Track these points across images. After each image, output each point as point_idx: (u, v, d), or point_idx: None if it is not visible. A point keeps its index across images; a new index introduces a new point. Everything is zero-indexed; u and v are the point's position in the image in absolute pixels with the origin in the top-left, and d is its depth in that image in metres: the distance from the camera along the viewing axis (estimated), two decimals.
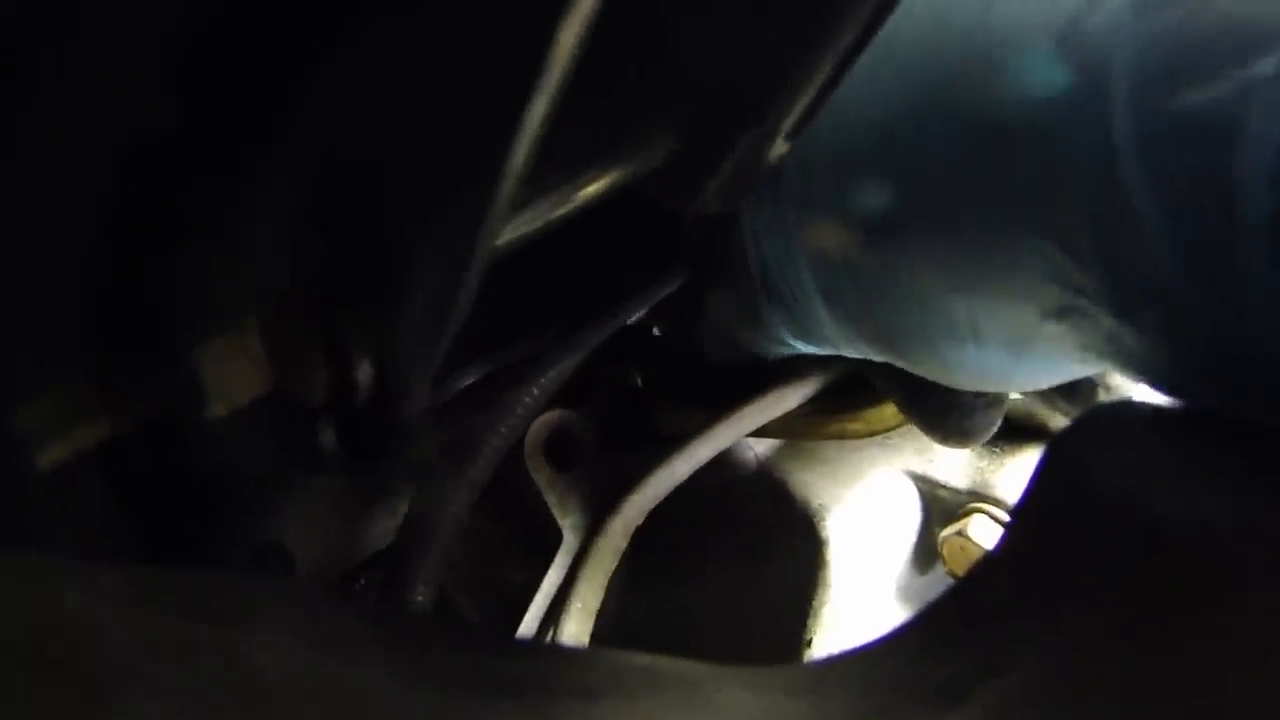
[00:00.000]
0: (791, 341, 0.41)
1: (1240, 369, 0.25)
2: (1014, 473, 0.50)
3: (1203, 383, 0.27)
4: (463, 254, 0.20)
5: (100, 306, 0.23)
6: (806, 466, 0.51)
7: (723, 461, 0.48)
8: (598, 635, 0.44)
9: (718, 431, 0.46)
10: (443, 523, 0.37)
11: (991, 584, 0.26)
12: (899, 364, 0.38)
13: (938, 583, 0.51)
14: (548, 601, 0.45)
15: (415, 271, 0.22)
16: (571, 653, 0.33)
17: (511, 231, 0.25)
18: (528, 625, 0.45)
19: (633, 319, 0.41)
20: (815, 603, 0.46)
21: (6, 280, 0.21)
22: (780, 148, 0.29)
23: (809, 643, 0.46)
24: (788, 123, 0.27)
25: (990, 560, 0.28)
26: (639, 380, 0.52)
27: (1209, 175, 0.24)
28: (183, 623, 0.20)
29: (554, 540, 0.46)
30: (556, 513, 0.47)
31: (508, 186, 0.17)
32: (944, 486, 0.51)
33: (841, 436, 0.50)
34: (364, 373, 0.25)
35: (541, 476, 0.47)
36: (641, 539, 0.46)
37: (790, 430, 0.51)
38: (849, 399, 0.49)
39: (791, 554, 0.48)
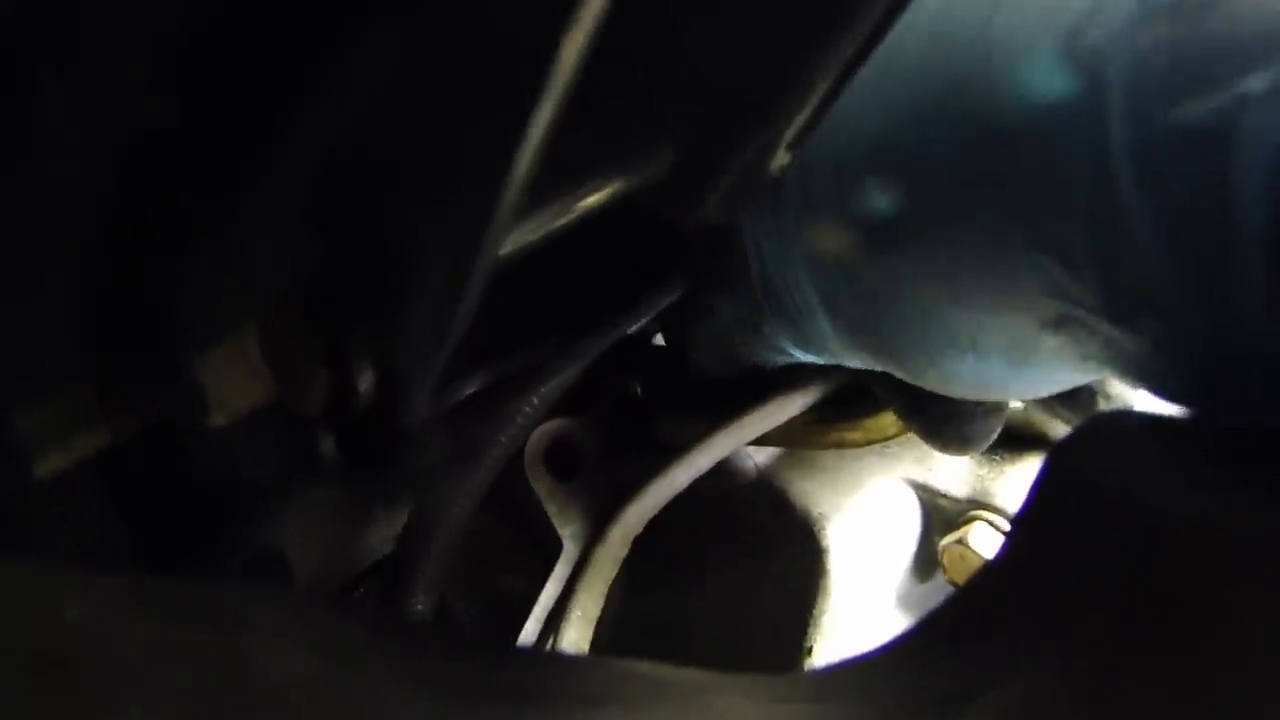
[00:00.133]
0: (792, 351, 0.41)
1: (1238, 374, 0.26)
2: (1014, 481, 0.50)
3: (1201, 388, 0.27)
4: (465, 262, 0.20)
5: (101, 313, 0.23)
6: (806, 475, 0.51)
7: (723, 470, 0.48)
8: (597, 644, 0.44)
9: (718, 440, 0.46)
10: (443, 531, 0.37)
11: (992, 592, 0.26)
12: (899, 374, 0.38)
13: (938, 591, 0.51)
14: (547, 610, 0.45)
15: (417, 280, 0.22)
16: (571, 661, 0.33)
17: (514, 241, 0.25)
18: (528, 633, 0.45)
19: (634, 329, 0.41)
20: (815, 611, 0.46)
21: (7, 286, 0.21)
22: (782, 158, 0.29)
23: (809, 651, 0.45)
24: (790, 133, 0.27)
25: (991, 568, 0.28)
26: (639, 390, 0.52)
27: (1205, 185, 0.24)
28: (182, 629, 0.20)
29: (554, 549, 0.46)
30: (556, 521, 0.47)
31: (512, 194, 0.17)
32: (944, 495, 0.51)
33: (841, 445, 0.50)
34: (364, 382, 0.25)
35: (542, 486, 0.47)
36: (641, 547, 0.46)
37: (790, 439, 0.51)
38: (849, 408, 0.49)
39: (791, 562, 0.48)
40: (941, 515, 0.50)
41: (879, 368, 0.39)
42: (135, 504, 0.33)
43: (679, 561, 0.50)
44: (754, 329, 0.41)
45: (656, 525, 0.46)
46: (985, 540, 0.47)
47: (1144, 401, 0.43)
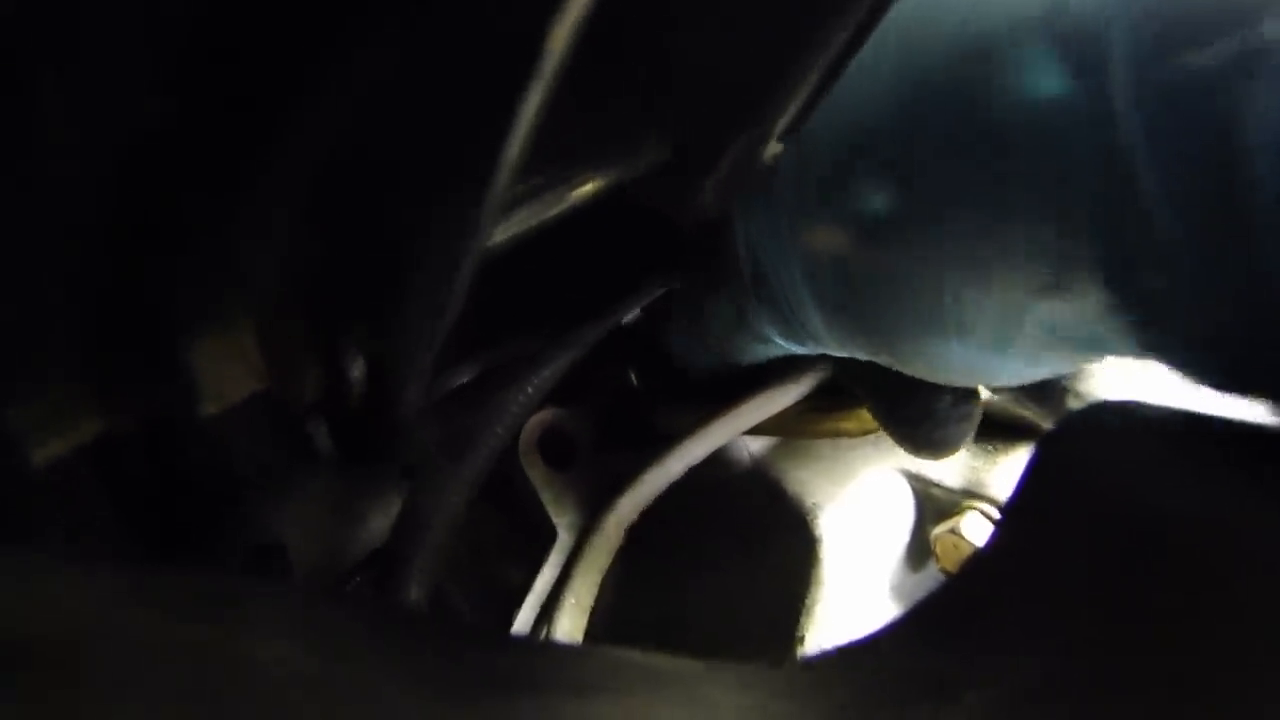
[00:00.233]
0: (779, 341, 0.41)
1: (1247, 334, 0.25)
2: (1007, 471, 0.50)
3: (1205, 352, 0.27)
4: (456, 250, 0.20)
5: (97, 304, 0.23)
6: (801, 464, 0.51)
7: (717, 459, 0.49)
8: (592, 633, 0.44)
9: (713, 430, 0.46)
10: (438, 521, 0.38)
11: (983, 581, 0.26)
12: (888, 361, 0.38)
13: (931, 580, 0.51)
14: (542, 599, 0.45)
15: (409, 268, 0.22)
16: (565, 649, 0.33)
17: (505, 230, 0.25)
18: (522, 622, 0.45)
19: (627, 319, 0.41)
20: (808, 600, 0.46)
21: (3, 280, 0.21)
22: (774, 149, 0.29)
23: (801, 640, 0.46)
24: (781, 123, 0.27)
25: (981, 557, 0.28)
26: (635, 379, 0.52)
27: (1214, 138, 0.23)
28: (180, 623, 0.20)
29: (549, 538, 0.47)
30: (551, 511, 0.47)
31: (502, 181, 0.18)
32: (937, 485, 0.51)
33: (836, 435, 0.51)
34: (357, 371, 0.25)
35: (536, 474, 0.47)
36: (636, 536, 0.46)
37: (785, 428, 0.51)
38: (843, 398, 0.49)
39: (785, 551, 0.49)
40: (935, 505, 0.51)
41: (866, 356, 0.39)
42: (132, 496, 0.33)
43: (673, 551, 0.50)
44: (739, 319, 0.41)
45: (651, 514, 0.46)
46: (978, 530, 0.47)
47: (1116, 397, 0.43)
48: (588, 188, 0.27)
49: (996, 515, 0.48)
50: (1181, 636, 0.22)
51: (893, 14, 0.25)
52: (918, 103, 0.30)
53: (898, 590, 0.51)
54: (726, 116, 0.27)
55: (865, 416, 0.49)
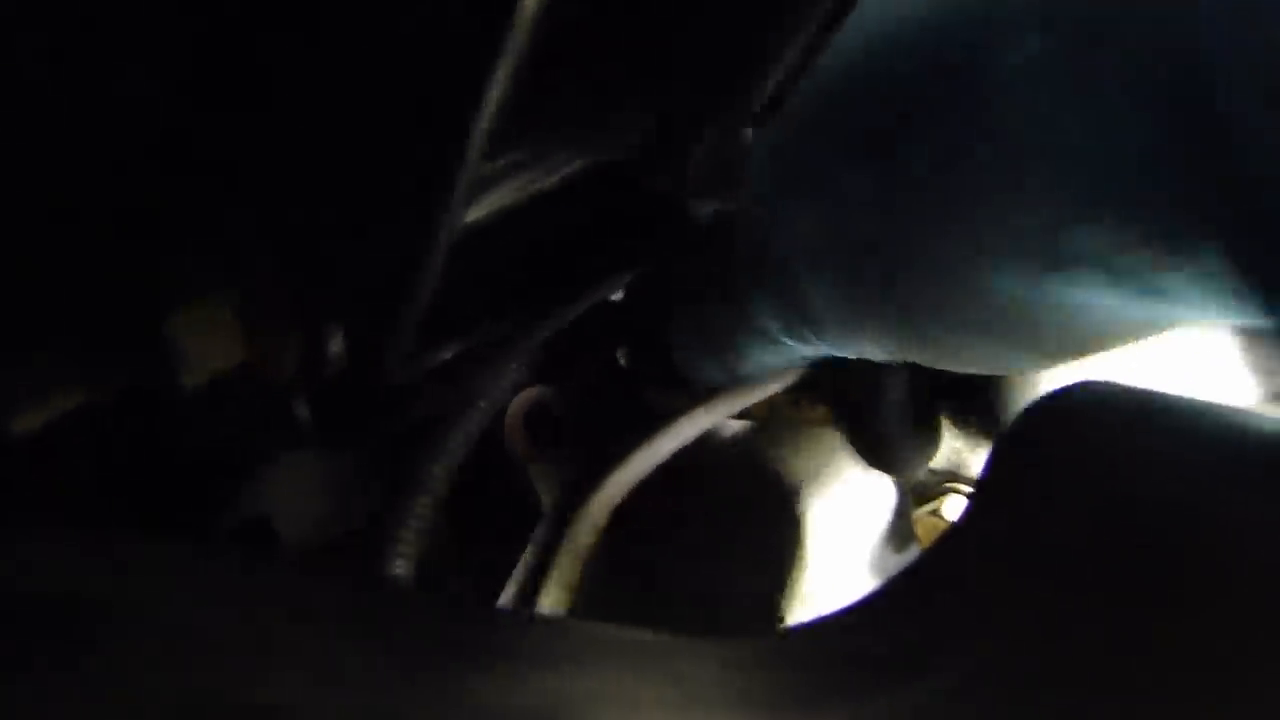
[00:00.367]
0: (776, 333, 0.41)
1: None
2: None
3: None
4: (430, 224, 0.20)
5: (79, 274, 0.24)
6: (786, 447, 0.51)
7: (703, 441, 0.49)
8: (575, 610, 0.45)
9: (702, 413, 0.47)
10: (423, 496, 0.38)
11: (953, 557, 0.27)
12: (893, 351, 0.37)
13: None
14: (526, 576, 0.45)
15: (384, 243, 0.22)
16: (545, 622, 0.33)
17: (484, 207, 0.25)
18: (506, 599, 0.45)
19: (613, 297, 0.41)
20: (791, 580, 0.47)
21: None
22: (759, 125, 0.29)
23: (784, 619, 0.46)
24: (764, 95, 0.27)
25: (952, 534, 0.28)
26: (623, 360, 0.52)
27: None
28: (173, 594, 0.20)
29: (534, 515, 0.47)
30: (539, 487, 0.47)
31: (473, 155, 0.18)
32: None
33: (823, 421, 0.51)
34: (335, 346, 0.25)
35: (521, 451, 0.47)
36: (620, 515, 0.46)
37: (772, 412, 0.51)
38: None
39: (770, 532, 0.49)
40: (918, 487, 0.51)
41: (869, 343, 0.38)
42: (116, 468, 0.33)
43: (657, 531, 0.50)
44: (740, 313, 0.41)
45: (636, 494, 0.46)
46: (959, 512, 0.48)
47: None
48: (571, 165, 0.27)
49: None
50: (1149, 612, 0.22)
51: None
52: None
53: (880, 571, 0.51)
54: (707, 94, 0.27)
55: None
